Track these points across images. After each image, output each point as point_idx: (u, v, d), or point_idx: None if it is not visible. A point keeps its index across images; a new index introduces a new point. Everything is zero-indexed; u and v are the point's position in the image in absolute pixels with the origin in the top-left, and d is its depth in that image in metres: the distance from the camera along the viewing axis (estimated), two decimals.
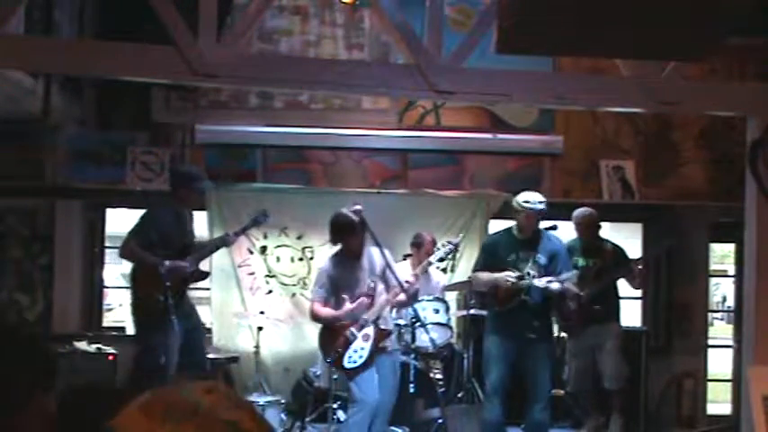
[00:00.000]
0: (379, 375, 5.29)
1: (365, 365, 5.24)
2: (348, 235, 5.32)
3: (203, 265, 6.27)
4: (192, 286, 6.23)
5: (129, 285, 6.01)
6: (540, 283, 5.53)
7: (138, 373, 7.00)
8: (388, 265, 5.44)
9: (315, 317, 5.56)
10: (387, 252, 5.50)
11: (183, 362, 5.76)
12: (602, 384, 6.54)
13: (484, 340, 5.83)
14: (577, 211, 6.73)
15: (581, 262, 6.58)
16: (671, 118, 7.62)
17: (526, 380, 5.67)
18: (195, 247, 6.05)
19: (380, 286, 5.42)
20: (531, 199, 5.64)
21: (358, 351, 5.27)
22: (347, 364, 5.27)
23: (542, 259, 5.67)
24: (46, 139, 7.28)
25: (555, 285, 5.57)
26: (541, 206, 5.63)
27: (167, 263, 5.68)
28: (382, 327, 5.39)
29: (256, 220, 6.26)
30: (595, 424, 6.62)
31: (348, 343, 5.30)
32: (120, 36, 4.88)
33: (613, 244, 6.76)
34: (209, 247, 6.29)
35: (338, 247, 5.49)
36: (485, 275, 5.75)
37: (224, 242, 6.29)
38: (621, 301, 6.85)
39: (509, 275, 5.58)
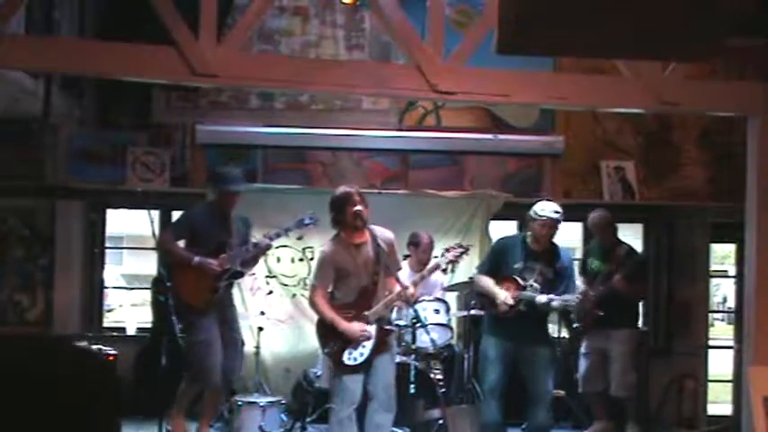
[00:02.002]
0: (377, 369, 5.24)
1: (365, 364, 5.18)
2: (348, 210, 5.12)
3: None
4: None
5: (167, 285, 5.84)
6: (542, 299, 5.49)
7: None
8: (391, 250, 5.33)
9: (314, 307, 5.33)
10: (390, 235, 5.37)
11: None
12: (609, 390, 6.49)
13: (481, 342, 5.82)
14: (591, 215, 6.68)
15: (595, 264, 6.56)
16: (671, 118, 7.62)
17: (527, 383, 5.65)
18: (231, 247, 5.92)
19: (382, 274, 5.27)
20: (547, 208, 5.57)
21: (359, 348, 5.18)
22: (347, 360, 5.18)
23: (550, 273, 5.61)
24: (46, 139, 7.28)
25: (555, 303, 5.53)
26: (557, 216, 5.54)
27: (197, 258, 5.74)
28: (385, 326, 5.34)
29: (301, 222, 6.10)
30: (600, 428, 6.59)
31: (349, 339, 5.20)
32: (120, 36, 4.88)
33: (628, 248, 6.57)
34: (251, 251, 6.02)
35: (339, 230, 5.28)
36: (486, 284, 5.70)
37: (268, 245, 6.08)
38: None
39: (507, 300, 5.52)
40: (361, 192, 5.24)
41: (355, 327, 5.19)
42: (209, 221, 5.91)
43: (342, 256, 5.23)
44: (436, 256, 6.95)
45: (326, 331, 5.29)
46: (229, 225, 5.97)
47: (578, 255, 8.03)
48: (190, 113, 7.55)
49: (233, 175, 6.10)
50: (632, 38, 2.42)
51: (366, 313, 5.22)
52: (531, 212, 5.64)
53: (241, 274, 6.15)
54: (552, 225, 5.57)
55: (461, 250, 5.62)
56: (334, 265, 5.24)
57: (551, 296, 5.49)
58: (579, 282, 6.56)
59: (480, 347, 5.79)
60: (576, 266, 6.69)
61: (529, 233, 5.70)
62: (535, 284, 5.55)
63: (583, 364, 6.60)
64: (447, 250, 5.67)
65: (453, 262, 5.66)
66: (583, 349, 6.60)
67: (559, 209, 5.59)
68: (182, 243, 5.97)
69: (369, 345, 5.19)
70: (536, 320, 5.63)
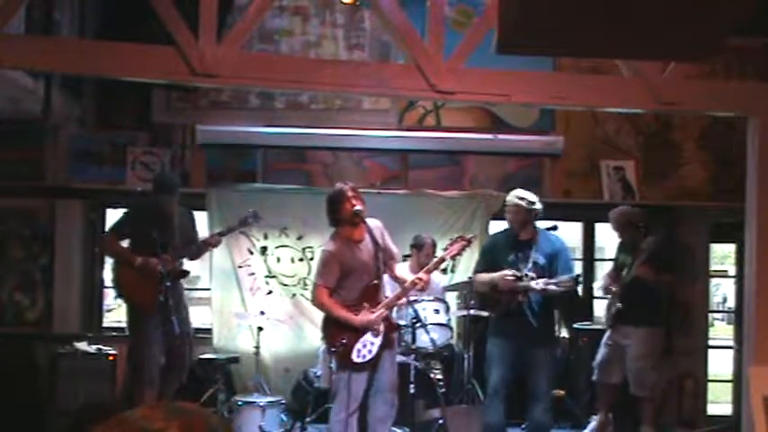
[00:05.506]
0: (383, 366, 5.22)
1: (373, 360, 5.16)
2: (345, 207, 5.16)
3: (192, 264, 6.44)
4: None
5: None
6: (538, 286, 5.51)
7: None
8: (384, 241, 5.35)
9: (322, 306, 5.29)
10: (378, 223, 5.37)
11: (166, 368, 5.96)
12: (622, 383, 6.48)
13: (487, 342, 5.83)
14: (611, 212, 6.67)
15: (621, 258, 6.56)
16: (671, 118, 7.62)
17: (527, 381, 5.66)
18: (175, 247, 6.04)
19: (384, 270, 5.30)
20: (513, 195, 5.69)
21: (367, 345, 5.16)
22: (356, 358, 5.14)
23: (541, 259, 5.65)
24: (46, 139, 7.29)
25: (552, 287, 5.54)
26: (523, 203, 5.61)
27: (140, 259, 5.91)
28: (392, 321, 5.36)
29: (245, 220, 6.26)
30: (603, 421, 6.59)
31: (358, 336, 5.17)
32: (120, 36, 4.87)
33: (652, 239, 6.45)
34: (194, 249, 6.22)
35: (338, 228, 5.30)
36: (484, 276, 5.76)
37: (208, 244, 6.31)
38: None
39: (507, 274, 5.56)
40: (355, 188, 5.26)
41: (368, 317, 5.18)
42: (151, 221, 6.00)
43: (345, 253, 5.23)
44: (437, 256, 6.98)
45: (334, 329, 5.24)
46: (172, 225, 6.07)
47: (578, 254, 8.05)
48: (190, 113, 7.56)
49: (170, 180, 6.27)
50: (632, 38, 2.42)
51: (372, 311, 5.23)
52: (505, 201, 5.79)
53: (186, 273, 6.25)
54: (519, 211, 5.65)
55: (465, 243, 5.58)
56: (340, 264, 5.22)
57: (546, 280, 5.52)
58: (606, 276, 6.57)
59: (486, 347, 5.81)
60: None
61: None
62: (530, 273, 5.58)
63: (601, 353, 6.57)
64: (451, 243, 5.64)
65: (458, 254, 5.64)
66: (605, 339, 6.58)
67: (525, 195, 5.65)
68: (125, 242, 6.15)
69: (377, 341, 5.18)
70: (540, 318, 5.64)
